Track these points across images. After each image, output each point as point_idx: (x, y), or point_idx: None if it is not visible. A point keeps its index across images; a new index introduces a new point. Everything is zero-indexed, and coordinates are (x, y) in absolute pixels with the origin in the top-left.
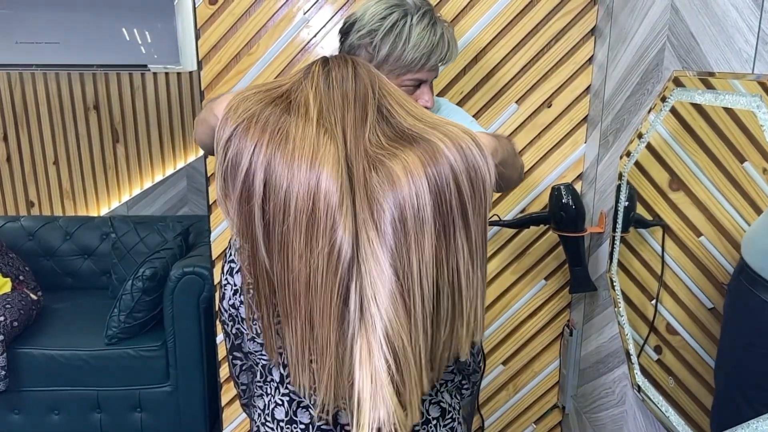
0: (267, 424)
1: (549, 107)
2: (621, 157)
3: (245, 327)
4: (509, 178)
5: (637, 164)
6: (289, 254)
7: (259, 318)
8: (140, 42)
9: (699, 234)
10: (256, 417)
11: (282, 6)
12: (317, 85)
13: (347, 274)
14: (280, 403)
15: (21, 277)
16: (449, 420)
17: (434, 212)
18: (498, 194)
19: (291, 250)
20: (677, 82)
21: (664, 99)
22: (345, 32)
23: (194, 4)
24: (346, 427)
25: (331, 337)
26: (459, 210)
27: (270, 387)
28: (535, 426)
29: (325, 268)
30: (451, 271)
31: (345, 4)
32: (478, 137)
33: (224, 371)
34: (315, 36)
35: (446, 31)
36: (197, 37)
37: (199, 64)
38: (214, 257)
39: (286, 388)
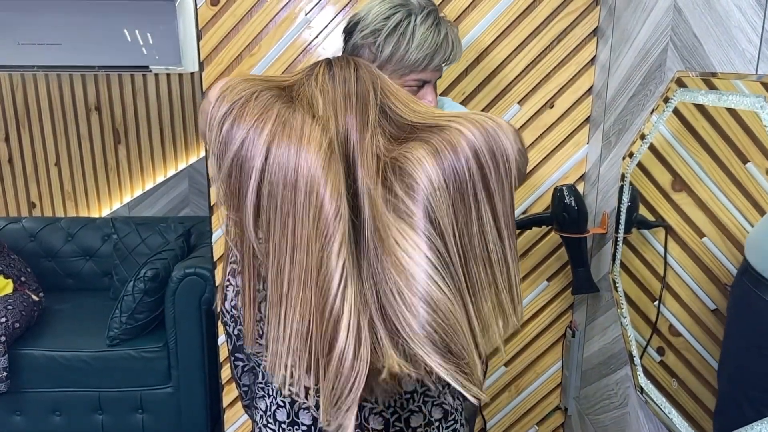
0: (269, 425)
1: (551, 108)
2: (623, 158)
3: None
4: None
5: (640, 165)
6: (297, 233)
7: (241, 294)
8: (142, 43)
9: (702, 235)
10: (257, 418)
11: (284, 7)
12: (322, 86)
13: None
14: (282, 404)
15: (23, 279)
16: (452, 422)
17: (453, 192)
18: None
19: (300, 228)
20: (680, 83)
21: (666, 100)
22: (349, 32)
23: (196, 5)
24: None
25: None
26: (482, 185)
27: (272, 388)
28: (537, 428)
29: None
30: (478, 242)
31: (347, 5)
32: (496, 117)
33: (225, 372)
34: (317, 37)
35: (450, 31)
36: (199, 38)
37: (201, 65)
38: (215, 258)
39: (288, 389)
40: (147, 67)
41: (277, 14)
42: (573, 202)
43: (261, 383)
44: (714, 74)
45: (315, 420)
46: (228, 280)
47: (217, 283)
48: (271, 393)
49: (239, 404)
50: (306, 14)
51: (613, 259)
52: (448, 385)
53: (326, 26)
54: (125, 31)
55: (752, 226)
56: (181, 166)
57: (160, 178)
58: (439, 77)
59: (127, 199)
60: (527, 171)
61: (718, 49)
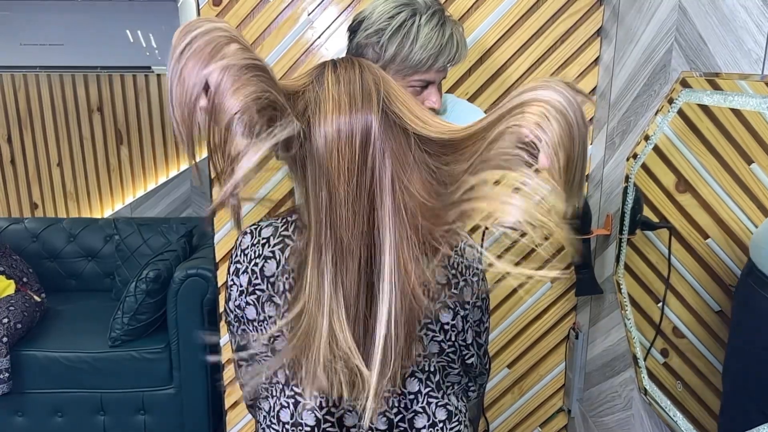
0: (272, 426)
1: None
2: (627, 159)
3: (251, 328)
4: None
5: (644, 166)
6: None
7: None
8: (144, 44)
9: (706, 236)
10: (261, 419)
11: (286, 7)
12: (327, 87)
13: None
14: (286, 405)
15: (25, 279)
16: (455, 423)
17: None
18: None
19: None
20: (685, 84)
21: (671, 101)
22: (353, 30)
23: (198, 5)
24: (352, 430)
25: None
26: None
27: (275, 389)
28: (540, 429)
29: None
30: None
31: (349, 5)
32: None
33: (228, 374)
34: (319, 37)
35: (455, 31)
36: None
37: None
38: (217, 259)
39: (292, 390)
40: (149, 67)
41: (279, 14)
42: None
43: (264, 383)
44: (718, 75)
45: (318, 421)
46: (232, 279)
47: (219, 284)
48: (274, 393)
49: (241, 405)
50: (308, 14)
51: (617, 261)
52: (452, 386)
53: (329, 26)
54: (127, 31)
55: (756, 227)
56: (183, 166)
57: (162, 179)
58: (444, 78)
59: (129, 199)
60: None
61: (724, 49)
